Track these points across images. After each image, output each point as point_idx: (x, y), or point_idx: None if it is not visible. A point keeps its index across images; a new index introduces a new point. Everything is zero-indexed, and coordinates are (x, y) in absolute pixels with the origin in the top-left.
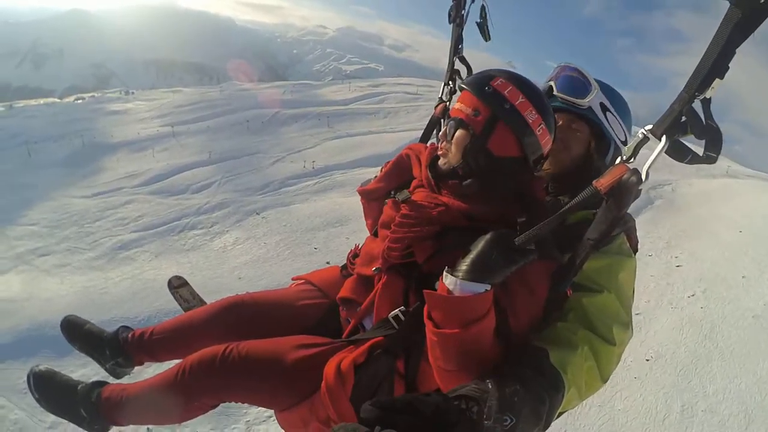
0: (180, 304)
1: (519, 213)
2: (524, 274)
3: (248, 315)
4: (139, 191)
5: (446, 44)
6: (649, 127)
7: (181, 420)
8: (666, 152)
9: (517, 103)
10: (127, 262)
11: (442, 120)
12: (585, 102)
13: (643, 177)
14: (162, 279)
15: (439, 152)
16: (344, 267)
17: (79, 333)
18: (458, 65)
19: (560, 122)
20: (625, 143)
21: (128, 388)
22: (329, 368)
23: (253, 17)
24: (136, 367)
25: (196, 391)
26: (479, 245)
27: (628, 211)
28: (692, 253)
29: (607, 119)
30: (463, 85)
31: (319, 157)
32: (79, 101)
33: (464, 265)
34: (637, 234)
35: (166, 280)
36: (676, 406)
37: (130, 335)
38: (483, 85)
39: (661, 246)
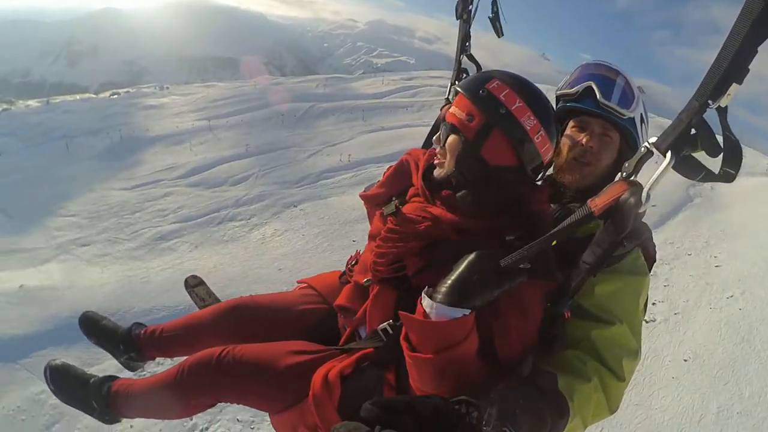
0: (196, 303)
1: (515, 228)
2: (517, 294)
3: (248, 318)
4: (178, 183)
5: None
6: (654, 140)
7: (181, 416)
8: (674, 169)
9: (513, 108)
10: (168, 252)
11: None
12: (629, 113)
13: (644, 198)
14: (202, 269)
15: (435, 160)
16: (344, 273)
17: (95, 328)
18: (467, 64)
19: (596, 129)
20: None
21: (135, 384)
22: (317, 377)
23: (284, 12)
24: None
25: (192, 390)
26: (460, 266)
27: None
28: (732, 253)
29: (642, 131)
30: (458, 88)
31: (354, 150)
32: (115, 96)
33: (443, 287)
34: (677, 232)
35: (206, 270)
36: (712, 407)
37: (142, 332)
38: (477, 88)
39: (700, 245)
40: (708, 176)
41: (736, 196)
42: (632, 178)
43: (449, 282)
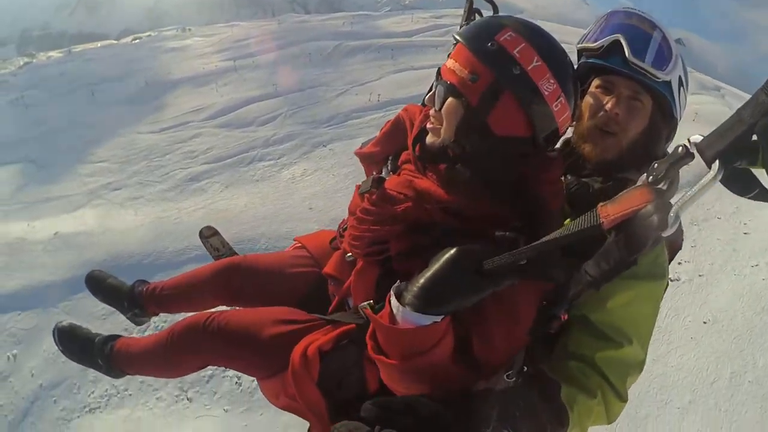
0: (210, 253)
1: (512, 214)
2: (506, 296)
3: (239, 280)
4: (206, 125)
5: None
6: (697, 138)
7: (174, 376)
8: (720, 181)
9: (530, 67)
10: (199, 193)
11: None
12: (665, 76)
13: (671, 219)
14: (234, 208)
15: (428, 124)
16: (335, 238)
17: (101, 286)
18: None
19: (624, 91)
20: None
21: (134, 344)
22: (296, 352)
23: None
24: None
25: (180, 353)
26: (436, 265)
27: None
28: (761, 222)
29: (680, 97)
30: (458, 37)
31: (384, 89)
32: (137, 41)
33: (414, 288)
34: (708, 195)
35: (238, 210)
36: (725, 372)
37: (144, 289)
38: (486, 39)
39: (730, 210)
40: (762, 195)
41: None
42: (661, 185)
43: (420, 283)
